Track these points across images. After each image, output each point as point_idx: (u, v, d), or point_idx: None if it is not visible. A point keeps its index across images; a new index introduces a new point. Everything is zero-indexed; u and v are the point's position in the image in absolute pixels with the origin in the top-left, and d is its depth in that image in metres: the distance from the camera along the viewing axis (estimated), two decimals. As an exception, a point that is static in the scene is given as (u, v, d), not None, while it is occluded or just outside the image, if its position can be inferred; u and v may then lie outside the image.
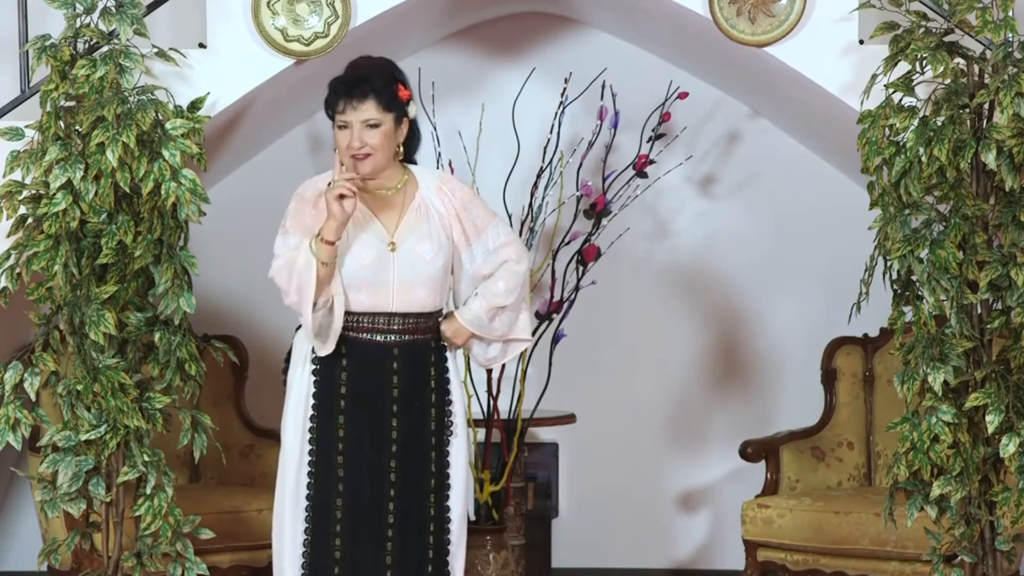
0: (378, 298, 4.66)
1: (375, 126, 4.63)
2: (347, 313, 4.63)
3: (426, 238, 4.69)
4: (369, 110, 4.61)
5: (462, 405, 4.79)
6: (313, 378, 4.68)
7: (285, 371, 4.78)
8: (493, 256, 4.77)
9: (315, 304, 4.56)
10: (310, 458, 4.66)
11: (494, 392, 6.22)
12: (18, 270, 5.01)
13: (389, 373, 4.67)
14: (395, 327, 4.68)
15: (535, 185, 6.29)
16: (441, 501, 4.71)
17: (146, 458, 5.08)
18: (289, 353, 4.78)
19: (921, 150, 4.96)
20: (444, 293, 4.77)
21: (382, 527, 4.65)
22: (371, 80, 4.63)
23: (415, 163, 4.81)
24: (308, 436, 4.66)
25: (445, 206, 4.74)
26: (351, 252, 4.64)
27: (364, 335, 4.66)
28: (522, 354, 6.18)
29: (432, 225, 4.71)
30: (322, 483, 4.65)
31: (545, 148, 6.30)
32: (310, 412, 4.67)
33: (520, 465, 6.28)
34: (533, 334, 6.19)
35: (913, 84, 5.07)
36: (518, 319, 4.82)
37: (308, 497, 4.66)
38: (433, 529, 4.70)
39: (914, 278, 5.05)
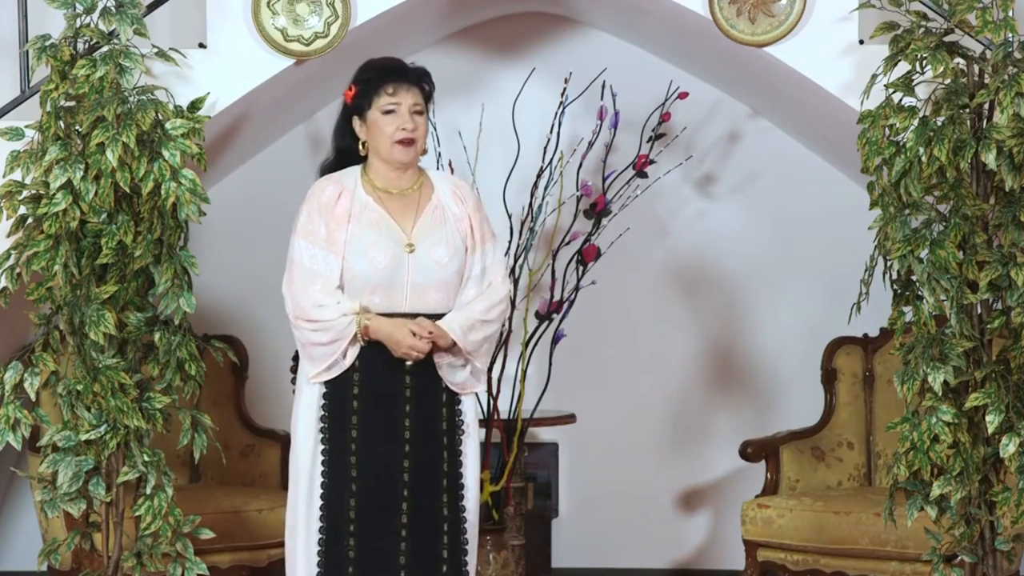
0: (392, 300, 4.65)
1: (420, 113, 4.67)
2: None
3: (442, 241, 4.69)
4: (417, 95, 4.70)
5: (473, 405, 4.79)
6: None
7: (294, 370, 4.77)
8: (482, 277, 4.75)
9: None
10: (323, 458, 4.66)
11: (494, 392, 6.22)
12: (18, 270, 5.00)
13: (401, 373, 4.67)
14: None
15: (535, 185, 6.29)
16: (455, 501, 4.71)
17: (146, 458, 5.07)
18: (297, 353, 4.77)
19: (921, 150, 4.95)
20: (456, 295, 4.75)
21: (395, 527, 4.64)
22: (412, 69, 4.72)
23: None
24: (320, 436, 4.66)
25: (460, 210, 4.75)
26: (367, 255, 4.63)
27: None
28: (522, 354, 6.20)
29: (448, 229, 4.71)
30: (335, 483, 4.65)
31: (545, 148, 6.30)
32: (321, 412, 4.67)
33: (520, 465, 6.27)
34: (533, 335, 6.24)
35: (913, 84, 5.07)
36: (485, 355, 4.77)
37: (322, 496, 4.66)
38: (447, 529, 4.69)
39: (914, 278, 5.05)
